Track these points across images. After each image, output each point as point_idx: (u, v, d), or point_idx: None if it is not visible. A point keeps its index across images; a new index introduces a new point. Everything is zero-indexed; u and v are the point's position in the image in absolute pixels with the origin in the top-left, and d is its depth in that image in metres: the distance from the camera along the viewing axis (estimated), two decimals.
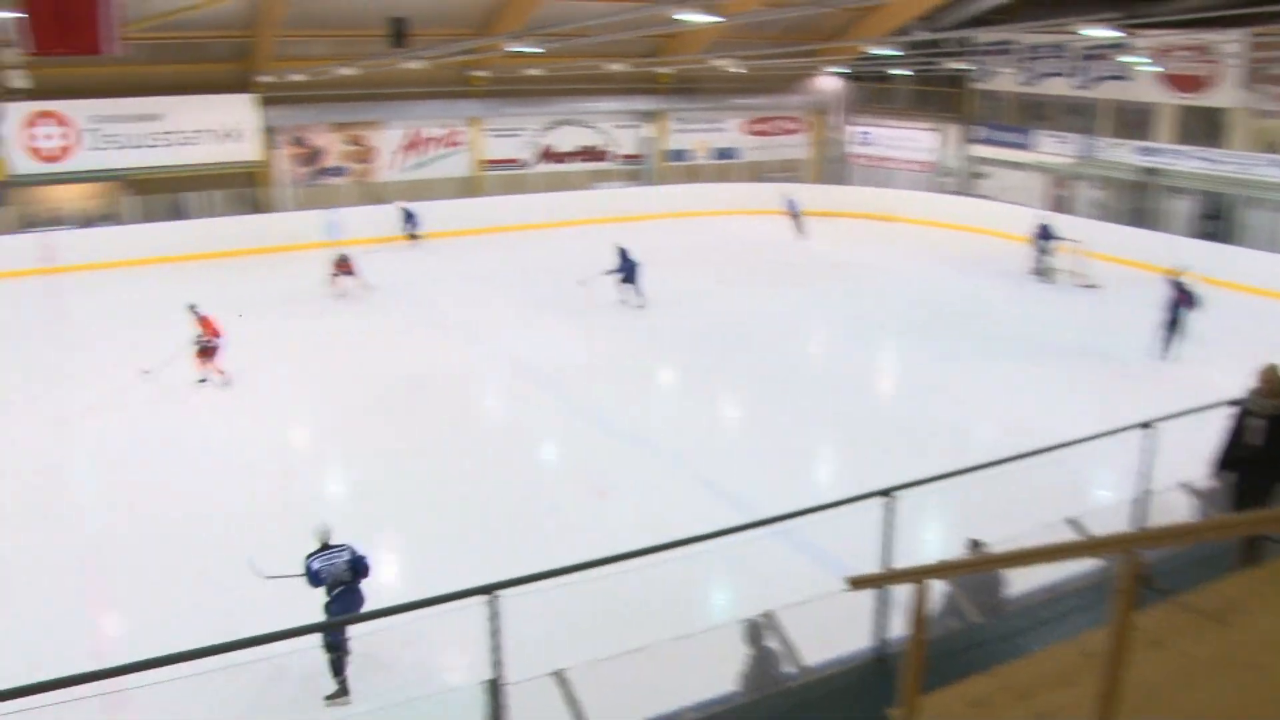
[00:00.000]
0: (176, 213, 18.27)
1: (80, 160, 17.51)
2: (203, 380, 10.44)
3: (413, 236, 18.53)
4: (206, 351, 10.28)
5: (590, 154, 22.25)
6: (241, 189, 18.89)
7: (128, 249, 17.26)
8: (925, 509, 6.39)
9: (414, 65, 17.07)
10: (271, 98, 18.45)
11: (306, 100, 18.79)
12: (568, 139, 21.96)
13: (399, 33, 14.81)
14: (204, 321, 10.35)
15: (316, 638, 5.23)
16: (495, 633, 3.11)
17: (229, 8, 16.46)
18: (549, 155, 21.86)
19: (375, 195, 19.72)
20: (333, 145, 19.54)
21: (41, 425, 9.58)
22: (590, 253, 15.62)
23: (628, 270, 13.39)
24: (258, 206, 18.69)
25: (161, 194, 18.23)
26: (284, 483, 8.28)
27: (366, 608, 5.48)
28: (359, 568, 5.48)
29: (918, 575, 2.71)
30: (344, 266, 14.58)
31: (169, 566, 7.01)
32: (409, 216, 18.67)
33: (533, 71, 19.41)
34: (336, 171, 19.71)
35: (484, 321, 13.42)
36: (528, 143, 21.62)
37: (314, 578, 5.34)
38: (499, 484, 8.15)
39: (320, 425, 9.77)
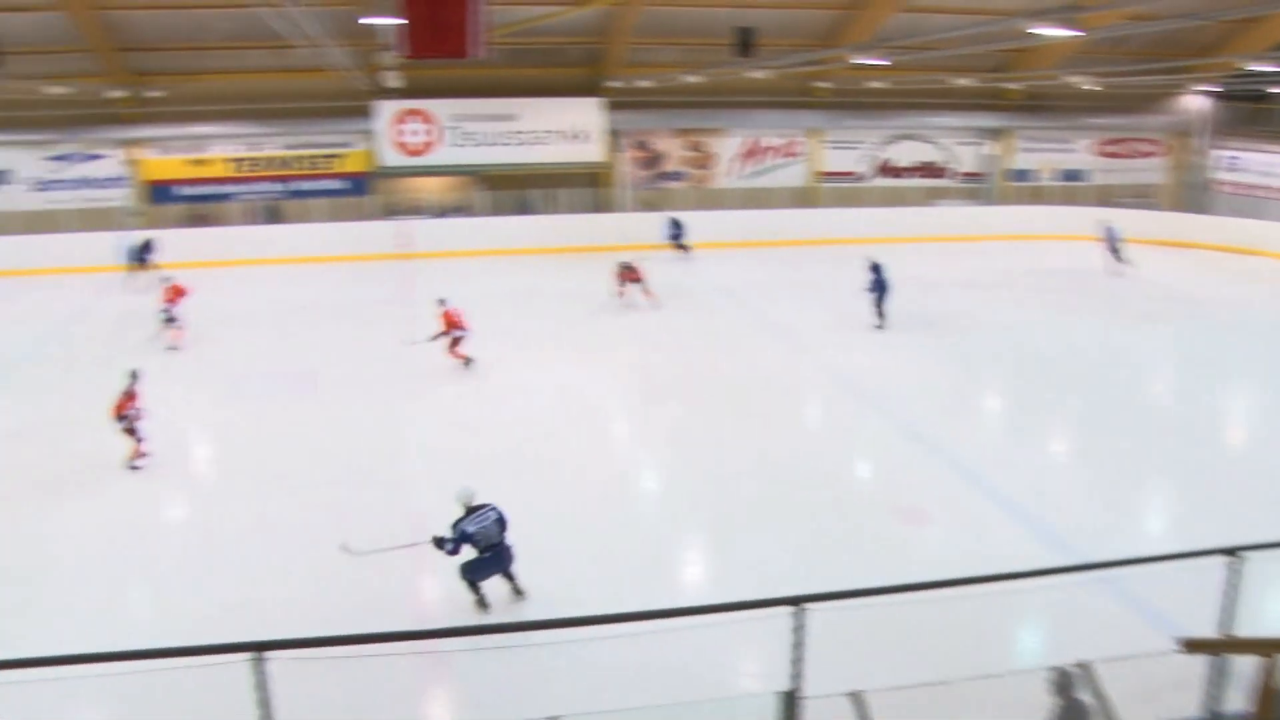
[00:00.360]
0: (523, 208, 22.54)
1: (441, 155, 22.21)
2: (469, 363, 13.00)
3: (680, 247, 21.12)
4: (455, 341, 12.90)
5: (929, 170, 24.39)
6: (584, 188, 22.94)
7: (476, 240, 21.51)
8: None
9: (758, 75, 20.20)
10: (618, 102, 22.36)
11: (651, 105, 22.58)
12: (907, 154, 24.28)
13: (746, 42, 17.84)
14: (447, 315, 12.96)
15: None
16: (798, 645, 3.45)
17: (584, 16, 20.54)
18: (887, 170, 24.28)
19: (712, 201, 23.10)
20: (673, 150, 23.18)
21: (377, 406, 11.88)
22: (928, 269, 17.12)
23: (879, 288, 14.66)
24: (598, 206, 22.44)
25: (511, 190, 22.60)
26: (613, 479, 9.64)
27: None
28: (504, 524, 6.78)
29: (1269, 648, 2.77)
30: (630, 274, 16.46)
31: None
32: (675, 226, 21.42)
33: (876, 84, 22.01)
34: (676, 176, 23.27)
35: (806, 331, 15.13)
36: (866, 156, 24.20)
37: (469, 539, 6.64)
38: (806, 495, 9.07)
39: (644, 425, 11.32)
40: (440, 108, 22.05)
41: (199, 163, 22.47)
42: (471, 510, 6.79)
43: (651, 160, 23.30)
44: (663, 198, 23.06)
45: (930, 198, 24.25)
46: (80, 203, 22.45)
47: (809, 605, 3.44)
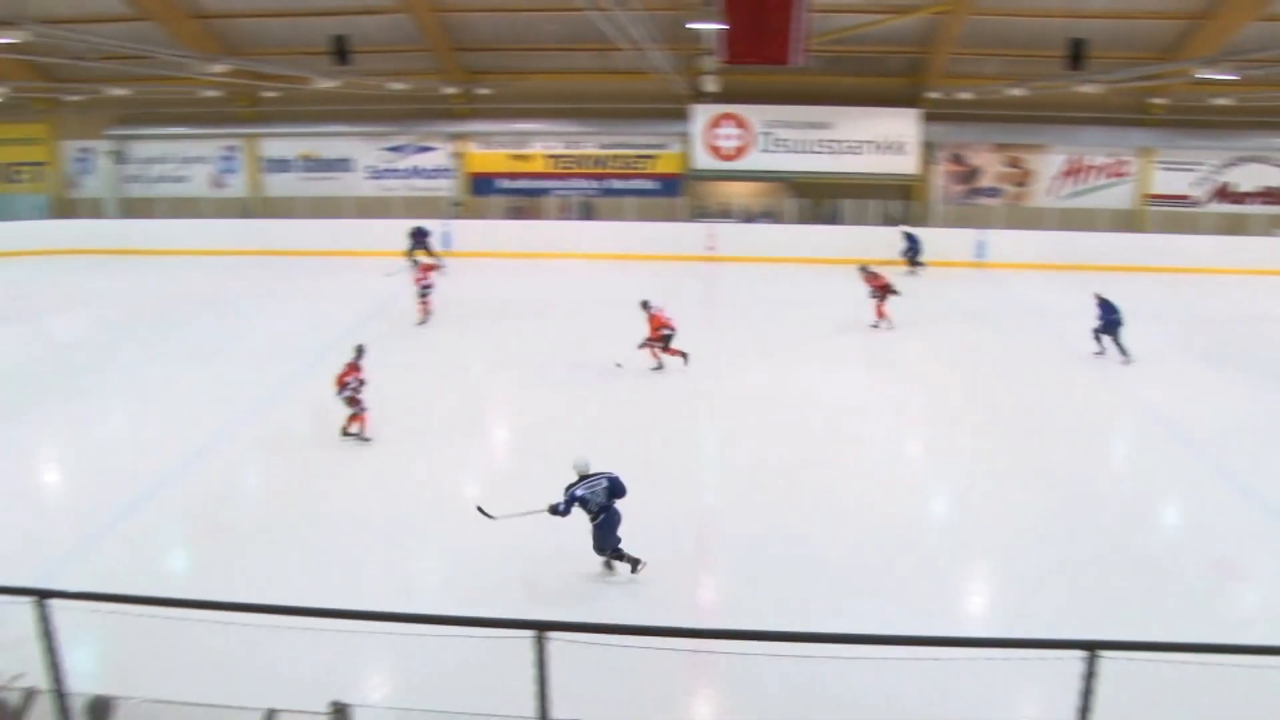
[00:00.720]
0: (830, 217, 27.38)
1: (752, 161, 27.34)
2: (657, 367, 16.07)
3: (914, 264, 24.64)
4: (663, 340, 15.94)
5: (1275, 196, 27.09)
6: (895, 200, 27.46)
7: (781, 247, 26.45)
8: None
9: (1088, 89, 23.59)
10: (935, 114, 26.57)
11: (970, 118, 26.61)
12: (1250, 178, 26.87)
13: (1077, 55, 21.23)
14: (653, 318, 15.94)
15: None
16: (1087, 693, 3.82)
17: (906, 24, 24.76)
18: (1225, 194, 27.16)
19: (1029, 220, 26.84)
20: (990, 165, 27.25)
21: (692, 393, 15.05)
22: (1274, 305, 19.17)
23: (1108, 323, 16.57)
24: (908, 220, 26.88)
25: (820, 198, 27.49)
26: (895, 498, 11.27)
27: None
28: (616, 490, 8.93)
29: None
30: (874, 281, 18.69)
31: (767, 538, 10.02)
32: (911, 242, 24.89)
33: (1220, 101, 24.93)
34: (991, 192, 27.35)
35: (1116, 360, 16.53)
36: (1202, 179, 27.20)
37: (581, 502, 8.80)
38: (1111, 534, 10.11)
39: (931, 446, 13.27)
40: (754, 113, 27.15)
41: (520, 158, 28.77)
42: (585, 478, 8.97)
43: (967, 175, 27.42)
44: (976, 214, 27.17)
45: (1275, 226, 26.90)
46: (409, 191, 29.33)
47: (1104, 653, 3.77)
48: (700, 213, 27.58)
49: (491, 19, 25.80)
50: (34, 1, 23.20)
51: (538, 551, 9.70)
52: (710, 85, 24.32)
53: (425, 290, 19.83)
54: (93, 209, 30.23)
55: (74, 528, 10.72)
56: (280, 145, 29.77)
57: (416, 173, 29.03)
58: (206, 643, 5.88)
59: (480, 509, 9.38)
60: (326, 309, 21.42)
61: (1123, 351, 16.68)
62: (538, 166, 28.47)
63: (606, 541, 9.23)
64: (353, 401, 12.69)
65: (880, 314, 19.01)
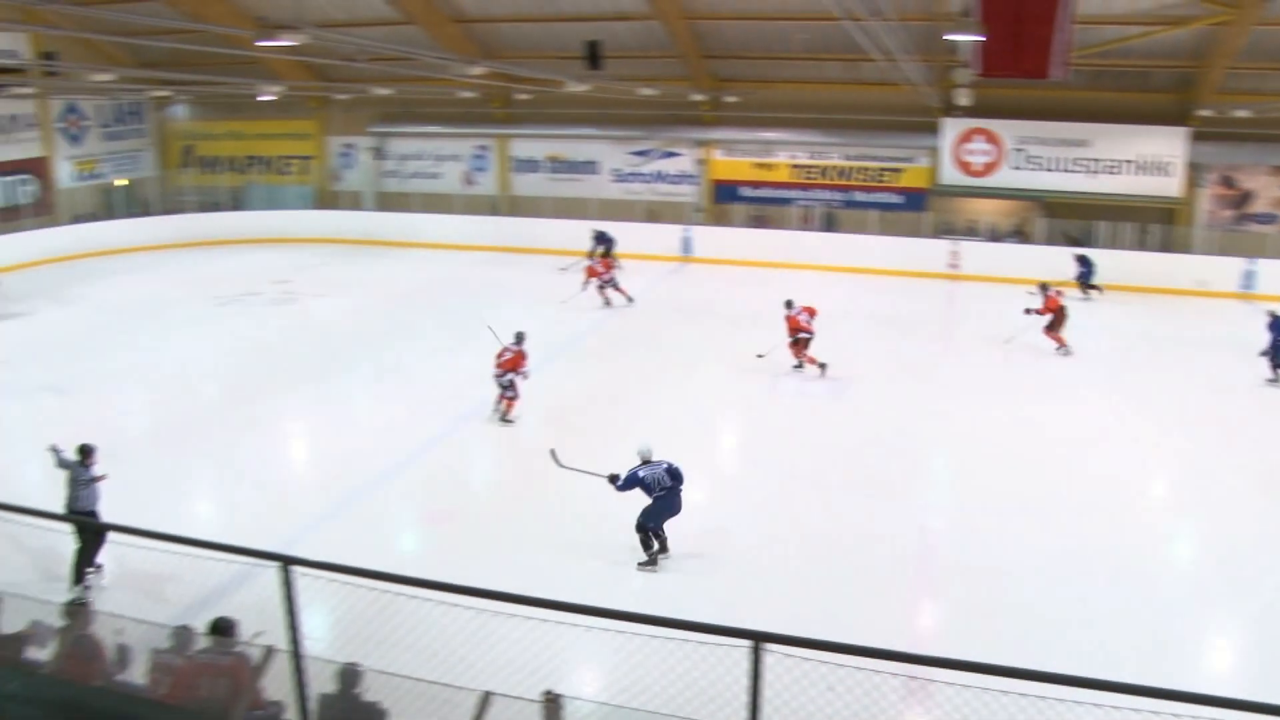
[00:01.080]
0: (1083, 240, 31.48)
1: (1001, 178, 31.75)
2: (797, 366, 19.96)
3: (1089, 287, 27.41)
4: (799, 343, 19.82)
5: None
6: (1153, 224, 31.19)
7: (1026, 267, 30.72)
8: None
9: None
10: (1204, 133, 30.05)
11: (1246, 138, 29.93)
12: None
13: None
14: (790, 320, 19.89)
15: None
16: None
17: (1178, 36, 27.97)
18: None
19: None
20: (1266, 189, 30.55)
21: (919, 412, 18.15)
22: None
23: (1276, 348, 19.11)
24: (1167, 245, 30.62)
25: (1071, 219, 31.71)
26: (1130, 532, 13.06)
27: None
28: (676, 475, 11.86)
29: None
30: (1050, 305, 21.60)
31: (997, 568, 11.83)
32: (1085, 264, 27.09)
33: None
34: (1266, 219, 30.57)
35: None
36: None
37: (640, 483, 11.72)
38: None
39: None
40: (1006, 128, 31.57)
41: (764, 166, 34.43)
42: (647, 462, 11.91)
43: (1238, 199, 30.68)
44: (1245, 241, 30.46)
45: None
46: (652, 195, 35.66)
47: None
48: (945, 229, 32.22)
49: (741, 27, 31.08)
50: (311, 7, 30.83)
51: (757, 562, 12.14)
52: (962, 99, 27.90)
53: (605, 284, 25.75)
54: (352, 201, 38.23)
55: (317, 500, 14.22)
56: (530, 146, 36.76)
57: (660, 177, 35.20)
58: (431, 622, 6.58)
59: (552, 453, 12.84)
60: (565, 309, 25.87)
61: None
62: (781, 176, 33.95)
63: (650, 519, 12.01)
64: (509, 386, 17.01)
65: (1054, 339, 21.94)
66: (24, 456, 17.01)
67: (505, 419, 17.47)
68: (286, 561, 5.54)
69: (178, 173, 40.63)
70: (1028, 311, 21.74)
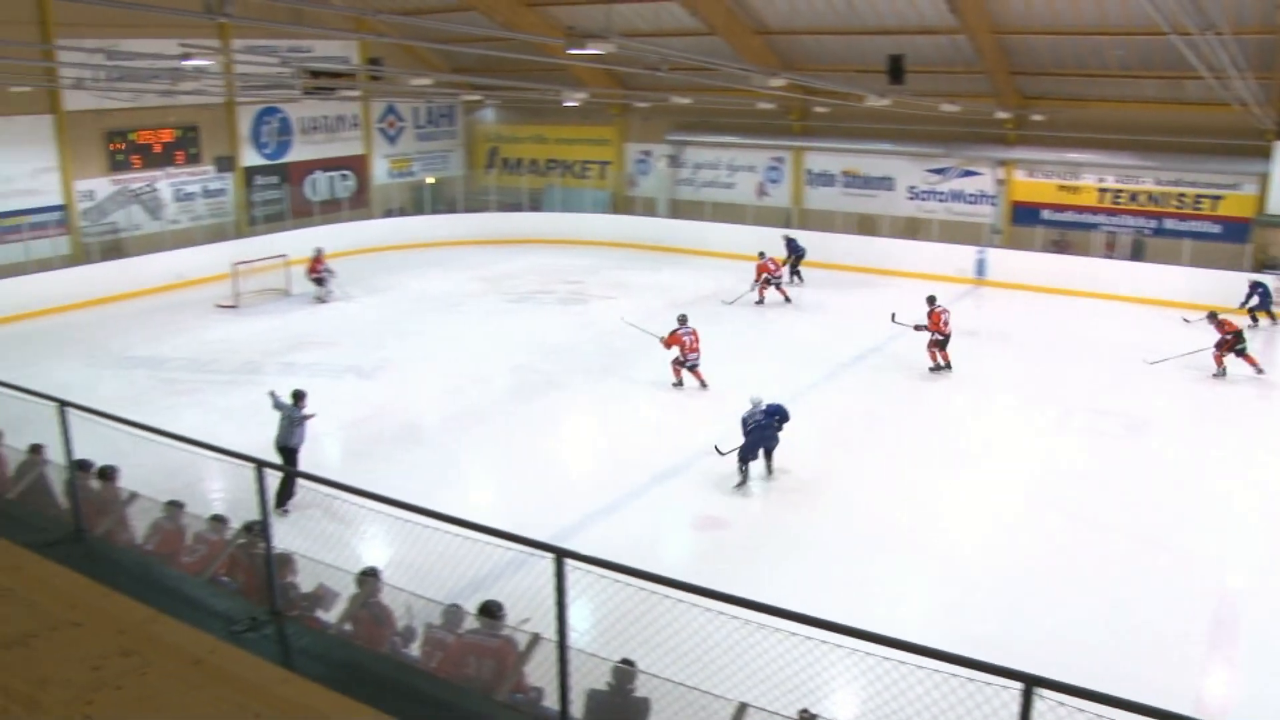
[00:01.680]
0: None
1: None
2: (933, 368, 21.31)
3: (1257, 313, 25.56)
4: (935, 343, 21.15)
5: None
6: None
7: None
8: None
9: None
10: None
11: None
12: None
13: None
14: (934, 315, 21.25)
15: None
16: None
17: None
18: None
19: None
20: None
21: None
22: None
23: None
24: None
25: None
26: None
27: None
28: (776, 413, 15.64)
29: None
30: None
31: None
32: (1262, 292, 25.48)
33: None
34: None
35: None
36: None
37: (742, 423, 15.77)
38: None
39: None
40: None
41: (1068, 189, 33.01)
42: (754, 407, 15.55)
43: None
44: None
45: None
46: (947, 214, 34.84)
47: None
48: (1269, 264, 30.04)
49: (1054, 42, 30.07)
50: (619, 17, 31.76)
51: (1030, 604, 12.12)
52: None
53: (769, 282, 27.79)
54: (646, 207, 39.24)
55: (591, 497, 14.98)
56: (825, 159, 36.64)
57: (957, 196, 34.36)
58: (695, 628, 6.48)
59: (716, 448, 15.95)
60: (852, 324, 26.89)
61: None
62: (1087, 199, 32.47)
63: (745, 451, 15.61)
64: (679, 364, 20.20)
65: (1219, 362, 21.81)
66: (328, 430, 18.23)
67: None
68: (561, 554, 5.66)
69: (482, 173, 42.77)
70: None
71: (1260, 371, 21.84)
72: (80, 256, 30.72)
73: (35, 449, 10.75)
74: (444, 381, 21.84)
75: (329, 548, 8.97)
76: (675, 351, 20.44)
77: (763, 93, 30.06)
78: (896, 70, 25.85)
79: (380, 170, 40.22)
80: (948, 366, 21.87)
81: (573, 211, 38.30)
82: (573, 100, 32.99)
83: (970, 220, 33.73)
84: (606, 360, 22.69)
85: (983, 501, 15.86)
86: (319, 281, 29.58)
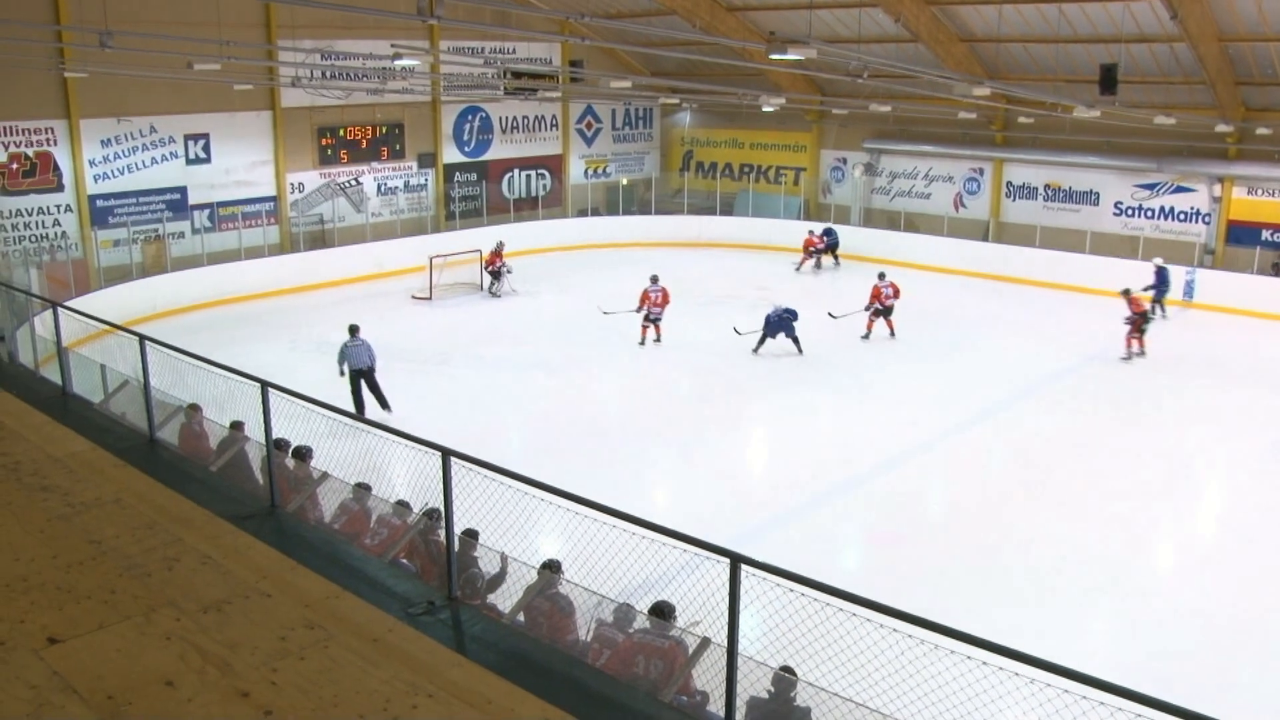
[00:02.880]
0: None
1: None
2: (865, 336, 23.98)
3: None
4: (876, 313, 24.07)
5: None
6: None
7: None
8: None
9: None
10: None
11: None
12: None
13: None
14: (874, 290, 23.73)
15: None
16: None
17: None
18: None
19: None
20: None
21: None
22: None
23: None
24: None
25: None
26: None
27: None
28: (788, 313, 22.14)
29: None
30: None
31: None
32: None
33: None
34: None
35: None
36: None
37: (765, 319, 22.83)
38: None
39: None
40: None
41: None
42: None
43: None
44: None
45: None
46: (1155, 232, 33.34)
47: None
48: None
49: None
50: (820, 23, 31.59)
51: (1231, 649, 11.66)
52: None
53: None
54: (840, 215, 38.79)
55: (769, 504, 15.25)
56: (1027, 172, 35.59)
57: (1167, 214, 32.96)
58: (868, 643, 6.38)
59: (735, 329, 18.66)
60: (1046, 343, 26.19)
61: None
62: None
63: (764, 336, 21.84)
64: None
65: (1130, 343, 23.23)
66: (512, 424, 18.66)
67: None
68: (737, 559, 5.72)
69: (677, 176, 43.08)
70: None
71: (1140, 355, 23.76)
72: (288, 245, 32.21)
73: (236, 425, 11.30)
74: (629, 382, 22.18)
75: (507, 539, 9.16)
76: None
77: (965, 102, 29.30)
78: (1109, 80, 24.91)
79: (576, 170, 40.97)
80: (891, 335, 25.22)
81: (765, 217, 38.30)
82: (770, 105, 32.96)
83: (1180, 239, 32.17)
84: (794, 367, 22.95)
85: (1180, 536, 15.64)
86: (495, 275, 30.28)
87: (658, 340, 23.84)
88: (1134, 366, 24.23)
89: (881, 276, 25.47)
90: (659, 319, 24.20)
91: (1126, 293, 25.09)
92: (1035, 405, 20.31)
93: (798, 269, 33.89)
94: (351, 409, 17.75)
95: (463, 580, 8.23)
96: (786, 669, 7.02)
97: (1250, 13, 26.75)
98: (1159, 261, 29.11)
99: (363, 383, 18.81)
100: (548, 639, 7.88)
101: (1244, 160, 31.30)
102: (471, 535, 8.96)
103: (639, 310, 24.09)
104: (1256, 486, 16.94)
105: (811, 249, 33.68)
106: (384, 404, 18.90)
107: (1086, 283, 31.58)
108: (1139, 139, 31.53)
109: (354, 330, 19.25)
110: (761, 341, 23.13)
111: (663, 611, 8.12)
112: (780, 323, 23.11)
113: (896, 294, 25.12)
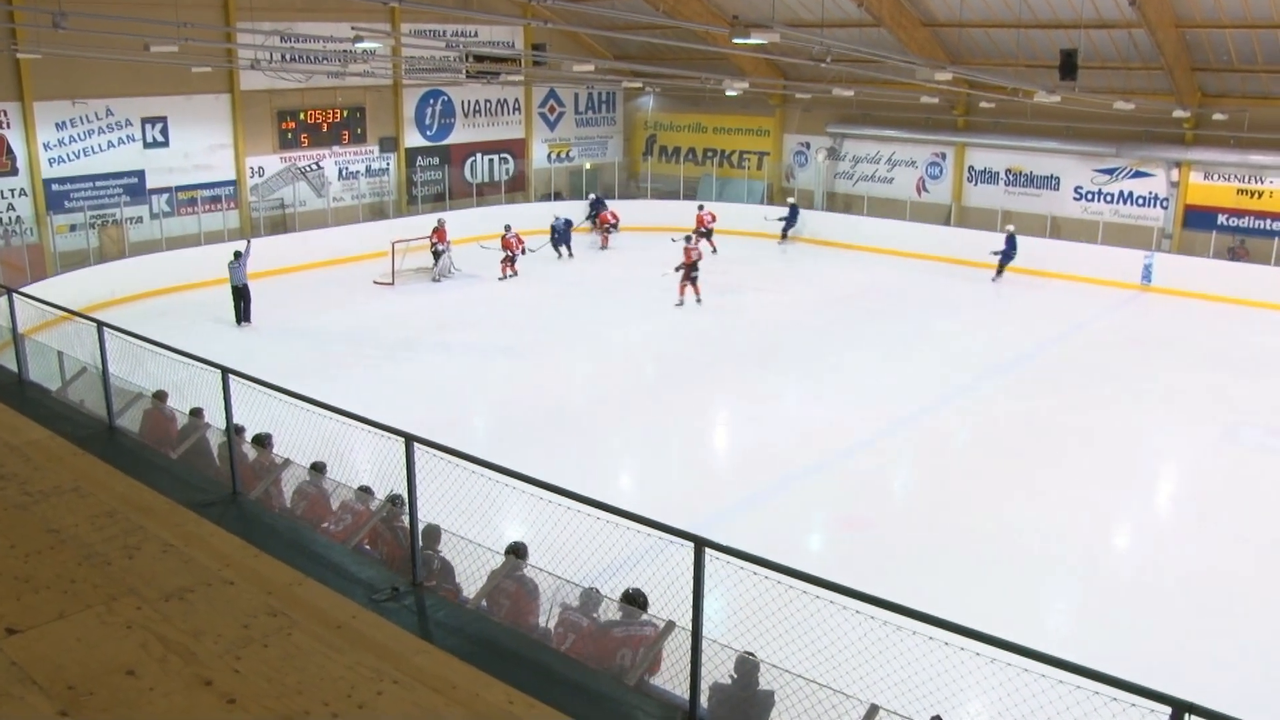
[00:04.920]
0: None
1: None
2: (679, 304, 24.78)
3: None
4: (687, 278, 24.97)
5: None
6: None
7: None
8: None
9: None
10: None
11: None
12: None
13: None
14: (686, 250, 24.12)
15: None
16: None
17: None
18: None
19: None
20: None
21: None
22: None
23: None
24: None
25: None
26: None
27: None
28: (569, 222, 26.97)
29: None
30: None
31: None
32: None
33: None
34: None
35: None
36: None
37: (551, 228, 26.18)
38: None
39: None
40: None
41: (1249, 193, 31.57)
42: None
43: None
44: None
45: None
46: (1113, 216, 33.60)
47: None
48: None
49: (1243, 36, 28.54)
50: (783, 6, 31.57)
51: (1184, 625, 11.72)
52: None
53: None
54: (803, 200, 38.89)
55: (734, 489, 15.25)
56: (988, 156, 35.76)
57: (1125, 198, 33.23)
58: (830, 625, 6.37)
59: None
60: (1013, 326, 26.59)
61: None
62: (1270, 205, 30.98)
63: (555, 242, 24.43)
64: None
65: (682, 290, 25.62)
66: (476, 409, 18.61)
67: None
68: (701, 543, 5.72)
69: (640, 160, 43.04)
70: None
71: (695, 302, 26.36)
72: (248, 230, 31.92)
73: (196, 413, 11.22)
74: (593, 366, 22.18)
75: (470, 524, 9.15)
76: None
77: (927, 86, 29.44)
78: (1069, 65, 25.13)
79: (539, 155, 40.85)
80: (698, 300, 26.46)
81: (728, 201, 38.30)
82: (734, 90, 32.99)
83: (1139, 224, 32.50)
84: (758, 352, 22.88)
85: (1140, 517, 15.83)
86: (435, 256, 30.20)
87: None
88: (1092, 347, 24.69)
89: (701, 207, 29.21)
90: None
91: (687, 239, 27.92)
92: (998, 388, 20.50)
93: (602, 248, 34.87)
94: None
95: (428, 565, 8.22)
96: (749, 654, 6.93)
97: (1207, 0, 26.97)
98: (1011, 229, 31.13)
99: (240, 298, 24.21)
100: (510, 621, 7.87)
101: (1200, 145, 31.61)
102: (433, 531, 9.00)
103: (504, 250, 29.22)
104: (1213, 467, 17.20)
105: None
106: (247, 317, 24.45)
107: (1046, 266, 31.78)
108: (1098, 124, 31.85)
109: (238, 255, 24.68)
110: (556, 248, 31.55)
111: (637, 600, 8.15)
112: (563, 233, 30.53)
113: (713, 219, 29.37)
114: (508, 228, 29.68)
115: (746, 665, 6.89)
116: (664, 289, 28.42)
